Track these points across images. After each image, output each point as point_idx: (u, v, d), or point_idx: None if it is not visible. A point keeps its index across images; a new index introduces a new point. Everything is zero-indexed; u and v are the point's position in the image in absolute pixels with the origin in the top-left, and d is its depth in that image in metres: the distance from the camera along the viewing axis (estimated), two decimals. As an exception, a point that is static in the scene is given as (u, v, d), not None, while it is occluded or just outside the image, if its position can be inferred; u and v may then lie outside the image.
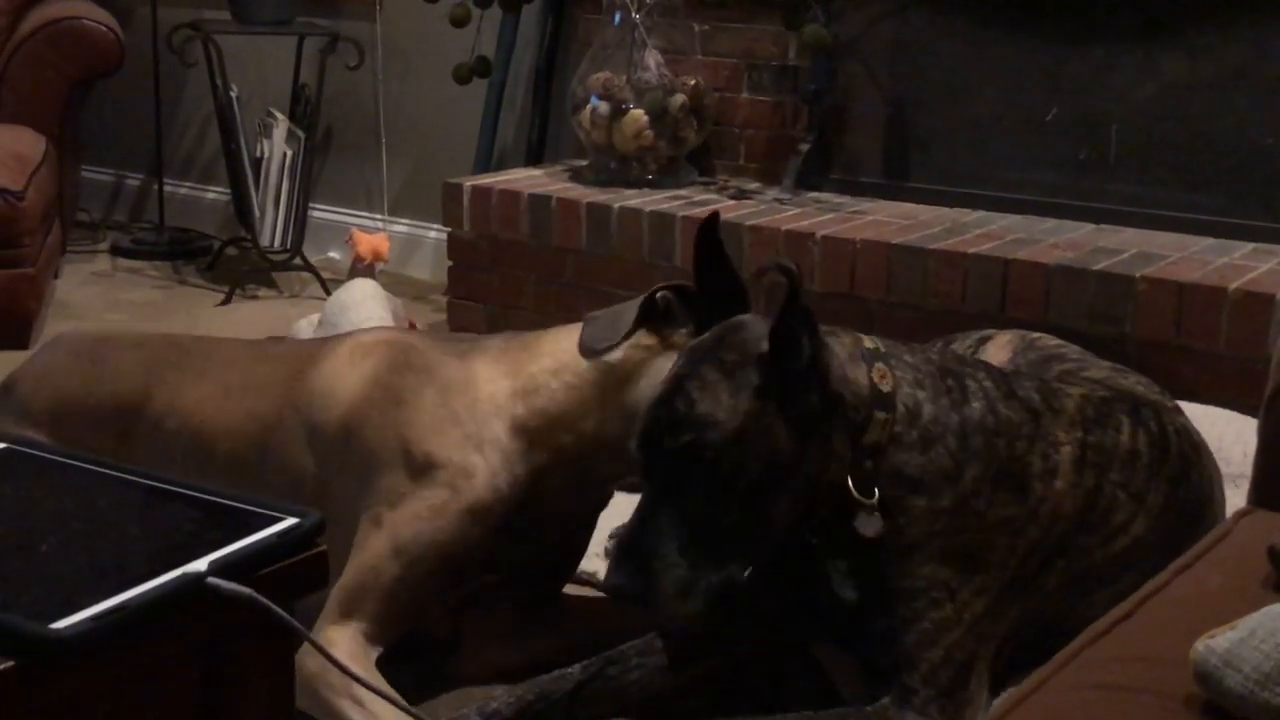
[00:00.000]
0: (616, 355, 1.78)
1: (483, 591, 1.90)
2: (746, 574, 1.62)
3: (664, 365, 1.74)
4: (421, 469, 1.78)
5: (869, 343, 1.68)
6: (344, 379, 1.86)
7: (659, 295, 1.79)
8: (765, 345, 1.57)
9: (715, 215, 1.69)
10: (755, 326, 1.60)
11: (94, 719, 0.99)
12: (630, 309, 1.78)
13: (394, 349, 1.88)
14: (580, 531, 1.98)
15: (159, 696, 1.03)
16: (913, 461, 1.64)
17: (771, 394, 1.55)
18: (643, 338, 1.79)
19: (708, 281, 1.69)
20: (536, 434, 1.80)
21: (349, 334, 2.00)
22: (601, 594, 2.13)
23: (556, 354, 1.83)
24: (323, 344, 1.99)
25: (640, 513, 1.58)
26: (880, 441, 1.62)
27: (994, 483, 1.67)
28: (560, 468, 1.81)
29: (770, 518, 1.60)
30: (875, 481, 1.62)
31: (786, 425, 1.56)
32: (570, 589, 2.08)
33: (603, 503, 1.94)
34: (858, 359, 1.65)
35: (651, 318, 1.78)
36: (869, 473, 1.62)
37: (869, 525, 1.62)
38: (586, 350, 1.77)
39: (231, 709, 1.07)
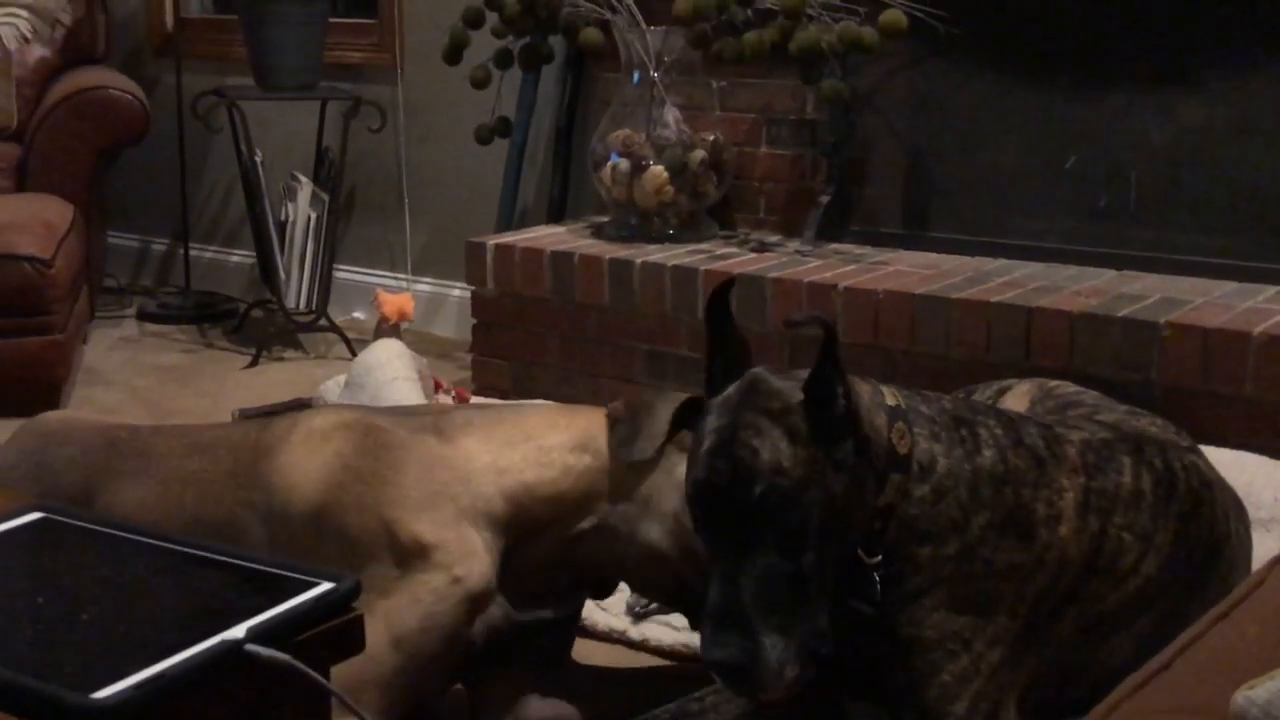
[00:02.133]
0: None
1: (485, 666, 1.84)
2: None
3: (671, 463, 1.75)
4: (412, 552, 1.71)
5: (889, 398, 1.68)
6: (305, 467, 1.76)
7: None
8: (799, 394, 1.58)
9: (731, 281, 1.71)
10: (776, 378, 1.61)
11: (134, 788, 0.99)
12: (653, 412, 1.76)
13: (354, 430, 1.79)
14: (572, 595, 1.92)
15: (198, 764, 1.04)
16: (922, 516, 1.64)
17: (818, 440, 1.57)
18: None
19: (719, 342, 1.70)
20: (538, 506, 1.76)
21: (297, 418, 1.86)
22: (626, 653, 2.14)
23: (572, 429, 1.80)
24: (265, 431, 1.85)
25: (721, 576, 1.56)
26: (893, 503, 1.63)
27: (1000, 530, 1.67)
28: (552, 545, 1.78)
29: (832, 565, 1.59)
30: (883, 541, 1.62)
31: (836, 470, 1.57)
32: (598, 653, 2.07)
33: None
34: (878, 408, 1.66)
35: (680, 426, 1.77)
36: (878, 533, 1.63)
37: (874, 589, 1.63)
38: (622, 457, 1.75)
39: (270, 775, 1.07)
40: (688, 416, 1.73)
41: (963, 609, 1.64)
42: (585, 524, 1.77)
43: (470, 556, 1.72)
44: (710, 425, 1.60)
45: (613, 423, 1.79)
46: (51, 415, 2.10)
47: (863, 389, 1.67)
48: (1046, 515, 1.71)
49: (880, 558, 1.62)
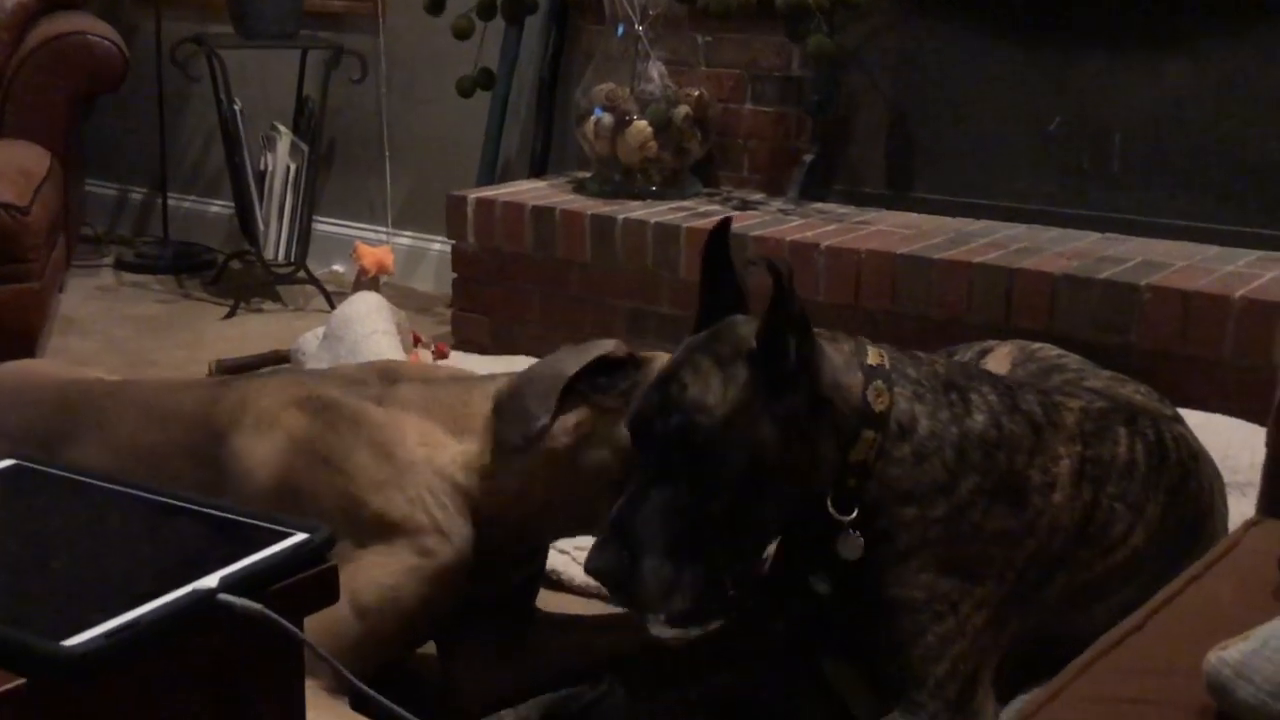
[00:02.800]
0: (559, 443, 1.73)
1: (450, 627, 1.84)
2: (732, 584, 1.62)
3: (609, 430, 1.72)
4: (375, 531, 1.70)
5: (873, 357, 1.67)
6: (257, 452, 1.74)
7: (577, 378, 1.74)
8: (754, 342, 1.58)
9: (727, 221, 1.70)
10: (748, 325, 1.62)
11: (105, 736, 0.99)
12: (540, 390, 1.73)
13: (303, 409, 1.77)
14: (534, 555, 1.92)
15: (171, 712, 1.03)
16: (904, 475, 1.64)
17: (760, 390, 1.57)
18: (574, 415, 1.74)
19: (713, 286, 1.70)
20: (481, 507, 1.74)
21: (246, 394, 1.81)
22: (589, 601, 2.14)
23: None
24: (216, 403, 1.81)
25: (630, 497, 1.59)
26: (866, 460, 1.63)
27: (991, 495, 1.67)
28: (504, 536, 1.77)
29: (755, 518, 1.60)
30: (857, 500, 1.62)
31: (773, 422, 1.57)
32: (575, 607, 2.07)
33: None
34: (854, 368, 1.65)
35: (569, 396, 1.74)
36: (852, 490, 1.62)
37: (850, 548, 1.63)
38: (508, 448, 1.72)
39: (243, 725, 1.07)
40: (597, 378, 1.73)
41: (950, 571, 1.64)
42: (530, 511, 1.76)
43: (439, 531, 1.71)
44: (668, 361, 1.64)
45: (496, 406, 1.76)
46: (8, 368, 2.06)
47: (841, 347, 1.66)
48: (1041, 482, 1.71)
49: (854, 515, 1.62)
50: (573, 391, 1.74)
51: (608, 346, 1.77)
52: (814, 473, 1.62)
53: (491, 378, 1.84)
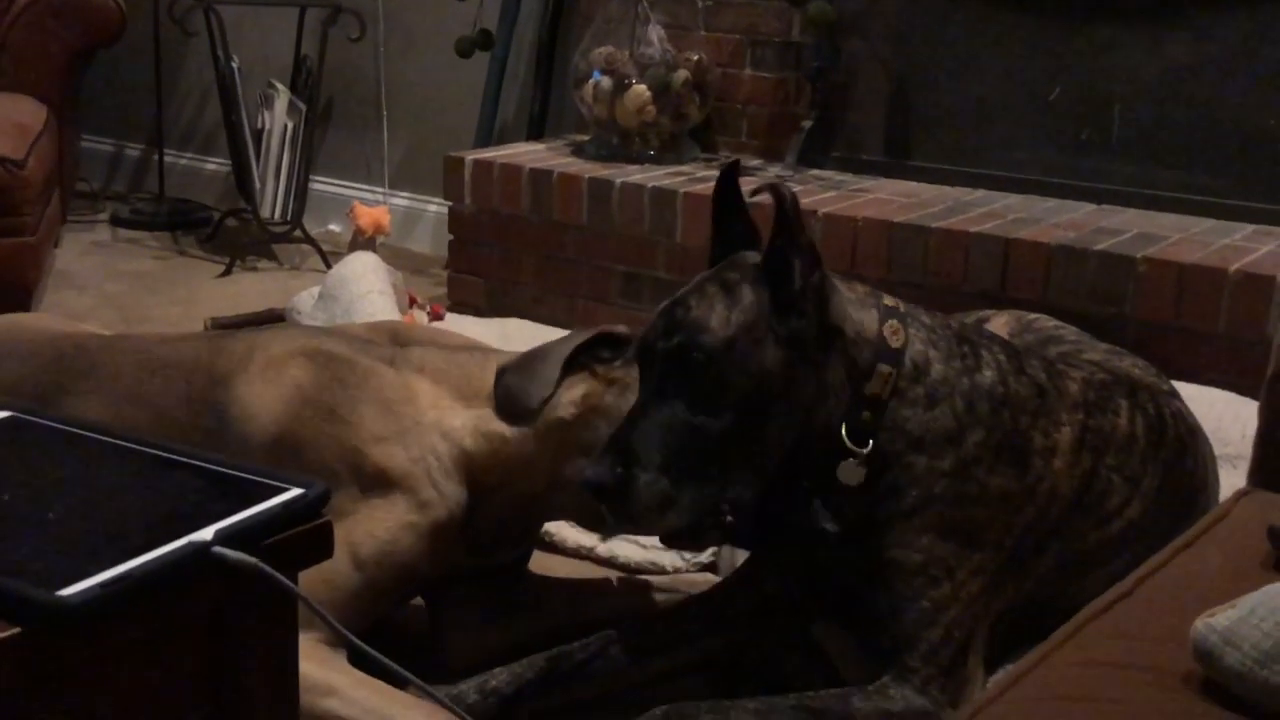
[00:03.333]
0: (566, 413, 1.75)
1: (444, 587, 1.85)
2: (729, 509, 1.63)
3: (614, 401, 1.74)
4: (375, 483, 1.71)
5: (888, 300, 1.69)
6: (263, 398, 1.74)
7: (578, 352, 1.76)
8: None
9: (736, 162, 1.70)
10: (757, 258, 1.64)
11: (99, 686, 0.99)
12: (545, 361, 1.75)
13: (312, 360, 1.77)
14: (531, 529, 1.93)
15: (164, 664, 1.04)
16: (915, 418, 1.65)
17: (764, 312, 1.58)
18: (580, 387, 1.76)
19: (725, 228, 1.70)
20: (487, 475, 1.75)
21: (252, 344, 1.81)
22: (581, 570, 2.15)
23: None
24: (220, 353, 1.81)
25: (630, 415, 1.60)
26: (881, 395, 1.64)
27: (995, 452, 1.68)
28: (507, 508, 1.78)
29: (757, 442, 1.60)
30: (870, 434, 1.63)
31: (777, 345, 1.58)
32: (566, 570, 2.08)
33: None
34: (869, 306, 1.67)
35: (573, 368, 1.76)
36: (865, 424, 1.63)
37: (851, 474, 1.63)
38: (509, 415, 1.73)
39: (236, 678, 1.08)
40: (598, 351, 1.75)
41: (950, 536, 1.65)
42: (535, 483, 1.77)
43: (435, 488, 1.72)
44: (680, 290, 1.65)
45: (500, 374, 1.77)
46: (0, 321, 2.04)
47: (855, 286, 1.68)
48: (1042, 446, 1.72)
49: (870, 448, 1.63)
50: (576, 364, 1.76)
51: (611, 328, 1.80)
52: (821, 401, 1.62)
53: (502, 352, 1.85)
